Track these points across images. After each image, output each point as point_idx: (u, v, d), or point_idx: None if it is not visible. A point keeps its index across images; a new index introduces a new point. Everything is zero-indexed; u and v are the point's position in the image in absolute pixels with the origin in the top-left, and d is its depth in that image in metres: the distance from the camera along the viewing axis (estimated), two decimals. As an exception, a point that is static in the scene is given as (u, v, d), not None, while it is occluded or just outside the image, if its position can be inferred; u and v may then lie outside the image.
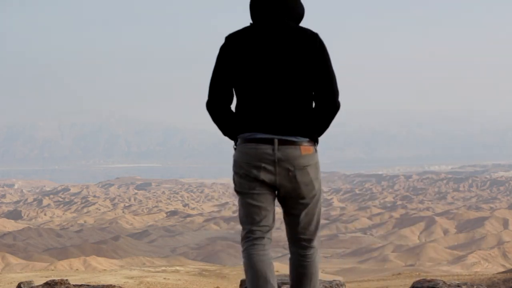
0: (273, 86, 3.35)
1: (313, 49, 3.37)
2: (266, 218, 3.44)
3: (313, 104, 3.44)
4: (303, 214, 3.47)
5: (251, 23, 3.46)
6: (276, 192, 3.46)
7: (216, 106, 3.46)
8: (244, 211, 3.46)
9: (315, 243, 3.59)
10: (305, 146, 3.38)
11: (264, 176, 3.37)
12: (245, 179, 3.40)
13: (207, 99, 3.50)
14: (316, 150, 3.46)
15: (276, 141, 3.34)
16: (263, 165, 3.35)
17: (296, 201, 3.44)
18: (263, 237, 3.44)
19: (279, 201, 3.52)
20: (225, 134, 3.56)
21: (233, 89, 3.47)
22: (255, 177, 3.38)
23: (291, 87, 3.35)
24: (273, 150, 3.33)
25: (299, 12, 3.55)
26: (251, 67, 3.36)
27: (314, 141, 3.45)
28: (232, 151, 3.56)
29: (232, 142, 3.56)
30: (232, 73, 3.41)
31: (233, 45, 3.39)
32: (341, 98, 3.48)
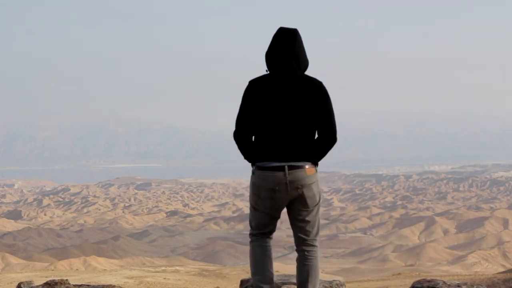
0: (285, 124, 4.35)
1: (319, 96, 4.42)
2: (272, 227, 4.57)
3: (315, 136, 4.48)
4: (306, 221, 4.51)
5: (266, 70, 4.49)
6: (285, 205, 4.49)
7: (242, 137, 4.47)
8: (255, 222, 4.55)
9: (317, 243, 4.60)
10: (309, 168, 4.42)
11: (278, 196, 4.40)
12: (263, 200, 4.44)
13: (234, 130, 4.51)
14: (316, 171, 4.52)
15: (286, 167, 4.35)
16: (277, 187, 4.37)
17: (302, 211, 4.49)
18: (269, 238, 4.59)
19: (288, 210, 4.53)
20: (246, 158, 4.54)
21: (254, 123, 4.44)
22: (271, 198, 4.41)
23: (299, 125, 4.37)
24: (285, 175, 4.35)
25: (306, 64, 4.55)
26: (268, 107, 4.36)
27: (315, 164, 4.50)
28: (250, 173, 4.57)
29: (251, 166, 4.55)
30: (254, 111, 4.39)
31: (255, 89, 4.40)
32: (338, 125, 4.58)
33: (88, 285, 6.81)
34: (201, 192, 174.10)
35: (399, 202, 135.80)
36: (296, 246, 4.57)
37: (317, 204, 4.52)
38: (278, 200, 4.41)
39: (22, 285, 7.25)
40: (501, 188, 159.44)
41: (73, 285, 6.83)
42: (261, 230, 4.54)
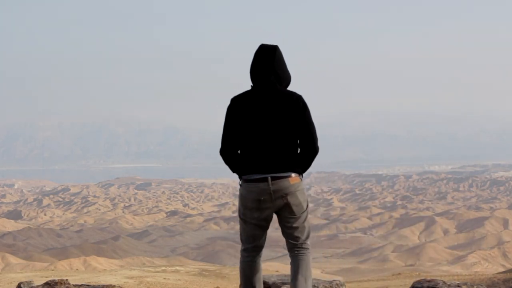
0: (267, 137, 4.54)
1: (298, 109, 4.56)
2: (261, 240, 4.73)
3: (298, 148, 4.64)
4: (294, 227, 4.67)
5: (251, 86, 4.67)
6: (272, 217, 4.68)
7: (227, 153, 4.68)
8: (244, 234, 4.73)
9: (308, 245, 4.76)
10: (293, 177, 4.60)
11: (264, 206, 4.59)
12: (250, 210, 4.62)
13: (220, 147, 4.73)
14: (301, 180, 4.67)
15: (269, 178, 4.54)
16: (262, 198, 4.56)
17: (290, 218, 4.66)
18: (258, 252, 4.74)
19: (278, 219, 4.73)
20: (234, 172, 4.74)
21: (238, 138, 4.64)
22: (257, 208, 4.60)
23: (280, 137, 4.54)
24: (268, 185, 4.53)
25: (287, 80, 4.70)
26: (250, 122, 4.56)
27: (299, 174, 4.66)
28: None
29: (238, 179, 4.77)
30: (237, 127, 4.60)
31: (237, 105, 4.60)
32: (320, 143, 4.81)
33: (88, 285, 6.81)
34: (201, 192, 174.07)
35: (399, 202, 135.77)
36: (289, 251, 4.77)
37: (305, 211, 4.70)
38: (264, 210, 4.61)
39: (22, 285, 7.25)
40: (501, 188, 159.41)
41: (73, 285, 6.83)
42: (252, 243, 4.71)
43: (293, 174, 4.61)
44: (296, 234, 4.68)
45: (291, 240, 4.71)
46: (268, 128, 4.54)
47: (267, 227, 4.71)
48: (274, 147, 4.55)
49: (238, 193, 4.83)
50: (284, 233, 4.74)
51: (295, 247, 4.70)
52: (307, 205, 4.73)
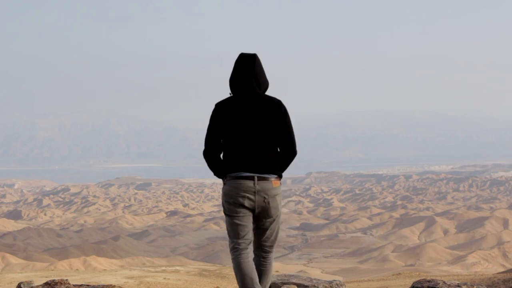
0: (251, 140, 4.90)
1: (278, 113, 4.94)
2: (248, 234, 4.99)
3: (277, 150, 5.03)
4: (268, 228, 5.06)
5: (230, 94, 5.02)
6: (253, 213, 5.01)
7: (210, 155, 5.01)
8: (231, 229, 4.99)
9: (273, 249, 5.18)
10: (274, 181, 4.97)
11: (247, 202, 4.92)
12: (233, 205, 4.93)
13: (204, 149, 5.03)
14: (280, 183, 5.04)
15: (256, 177, 4.90)
16: (247, 195, 4.90)
17: (265, 219, 5.02)
18: (247, 248, 4.99)
19: (253, 218, 5.04)
20: (215, 174, 5.06)
21: (221, 142, 4.99)
22: (240, 204, 4.92)
23: (263, 140, 4.91)
24: (254, 184, 4.90)
25: (266, 85, 5.06)
26: (235, 126, 4.90)
27: (280, 177, 5.02)
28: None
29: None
30: (221, 131, 4.94)
31: (221, 110, 4.93)
32: (298, 146, 5.16)
33: (88, 285, 6.81)
34: (201, 192, 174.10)
35: (399, 202, 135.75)
36: (254, 250, 5.14)
37: (278, 215, 5.07)
38: (247, 207, 4.94)
39: (22, 285, 7.25)
40: (501, 188, 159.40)
41: (73, 285, 6.83)
42: (239, 237, 4.98)
43: (273, 177, 4.96)
44: (267, 235, 5.08)
45: (261, 241, 5.10)
46: (252, 130, 4.91)
47: (250, 222, 5.01)
48: (259, 148, 4.92)
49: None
50: (255, 233, 5.11)
51: (262, 249, 5.11)
52: (281, 209, 5.10)
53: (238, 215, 4.95)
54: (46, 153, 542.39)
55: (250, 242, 5.02)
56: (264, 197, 4.93)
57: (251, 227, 5.03)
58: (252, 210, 4.97)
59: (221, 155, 5.07)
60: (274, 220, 5.05)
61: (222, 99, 5.03)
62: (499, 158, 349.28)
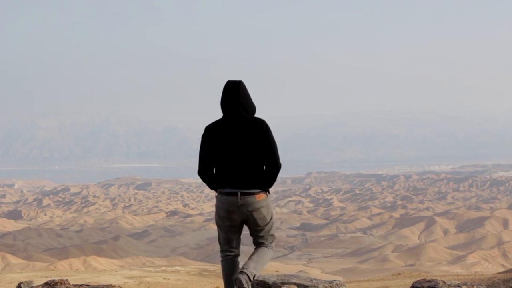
0: (236, 158, 5.47)
1: (261, 132, 5.48)
2: (236, 242, 5.70)
3: (264, 167, 5.56)
4: (259, 233, 5.65)
5: (222, 116, 5.61)
6: (242, 224, 5.62)
7: (204, 173, 5.63)
8: (222, 238, 5.69)
9: (272, 246, 5.76)
10: (259, 195, 5.49)
11: (233, 216, 5.53)
12: (222, 219, 5.58)
13: (198, 168, 5.64)
14: (267, 196, 5.57)
15: (239, 193, 5.47)
16: (231, 209, 5.50)
17: (255, 227, 5.62)
18: (235, 253, 5.71)
19: (245, 224, 5.64)
20: (210, 188, 5.69)
21: (212, 160, 5.57)
22: (228, 217, 5.54)
23: (248, 158, 5.47)
24: (237, 199, 5.46)
25: (252, 108, 5.65)
26: (221, 146, 5.49)
27: (266, 191, 5.54)
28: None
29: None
30: (211, 151, 5.54)
31: (210, 132, 5.56)
32: (282, 161, 5.69)
33: (88, 285, 6.81)
34: (201, 192, 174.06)
35: (399, 202, 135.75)
36: (254, 243, 5.75)
37: (268, 223, 5.63)
38: (233, 219, 5.55)
39: (22, 285, 7.25)
40: (501, 188, 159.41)
41: (73, 285, 6.83)
42: (227, 245, 5.67)
43: (257, 192, 5.49)
44: (261, 240, 5.68)
45: (257, 241, 5.71)
46: (237, 149, 5.48)
47: (239, 232, 5.68)
48: (243, 166, 5.48)
49: None
50: (250, 233, 5.72)
51: (259, 244, 5.72)
52: (271, 218, 5.65)
53: (225, 228, 5.61)
54: (46, 153, 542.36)
55: (237, 248, 5.71)
56: (248, 210, 5.49)
57: (239, 236, 5.70)
58: (240, 222, 5.59)
59: (214, 171, 5.67)
60: (262, 229, 5.63)
61: (211, 122, 5.67)
62: (499, 158, 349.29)
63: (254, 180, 5.49)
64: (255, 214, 5.51)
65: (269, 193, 5.61)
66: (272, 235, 5.72)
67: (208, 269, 43.38)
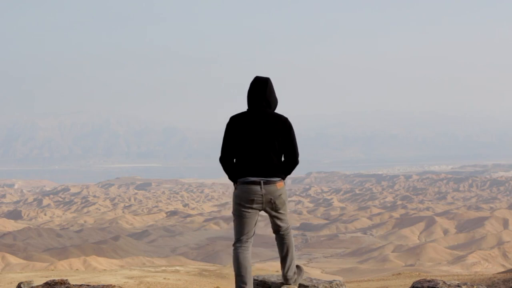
0: (258, 149, 5.81)
1: (284, 128, 5.83)
2: (251, 231, 5.93)
3: (282, 159, 5.94)
4: (280, 218, 6.00)
5: (247, 108, 5.94)
6: (260, 210, 5.94)
7: (226, 161, 5.90)
8: (238, 226, 5.91)
9: (289, 227, 6.13)
10: (279, 183, 5.86)
11: (255, 204, 5.84)
12: (242, 206, 5.86)
13: (220, 155, 5.96)
14: (284, 183, 5.95)
15: (262, 182, 5.81)
16: (255, 198, 5.82)
17: (275, 213, 5.96)
18: (247, 241, 5.91)
19: (266, 212, 5.97)
20: (230, 177, 5.95)
21: (235, 149, 5.87)
22: (249, 206, 5.84)
23: (270, 150, 5.82)
24: (261, 188, 5.81)
25: (275, 104, 6.01)
26: (246, 137, 5.82)
27: (283, 179, 5.92)
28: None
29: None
30: (234, 140, 5.85)
31: (235, 123, 5.86)
32: (301, 155, 6.20)
33: (88, 285, 6.82)
34: (201, 192, 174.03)
35: (399, 202, 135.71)
36: (274, 232, 6.14)
37: (286, 206, 6.01)
38: (255, 208, 5.86)
39: (22, 285, 7.25)
40: (501, 188, 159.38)
41: (73, 285, 6.84)
42: (244, 234, 5.89)
43: (278, 180, 5.85)
44: (280, 223, 6.02)
45: (277, 227, 6.05)
46: (260, 142, 5.80)
47: (256, 220, 5.94)
48: (265, 157, 5.81)
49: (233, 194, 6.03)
50: (271, 221, 6.06)
51: (280, 231, 6.07)
52: (287, 200, 6.03)
53: (246, 215, 5.87)
54: (46, 153, 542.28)
55: (251, 237, 5.93)
56: (271, 198, 5.84)
57: (254, 225, 5.94)
58: (259, 209, 5.90)
59: (235, 161, 5.97)
60: (283, 213, 5.98)
61: (237, 113, 5.98)
62: (499, 158, 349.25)
63: (274, 169, 5.84)
64: (277, 201, 5.85)
65: (285, 180, 6.00)
66: (288, 218, 6.11)
67: (208, 269, 43.38)
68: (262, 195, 5.82)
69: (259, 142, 5.82)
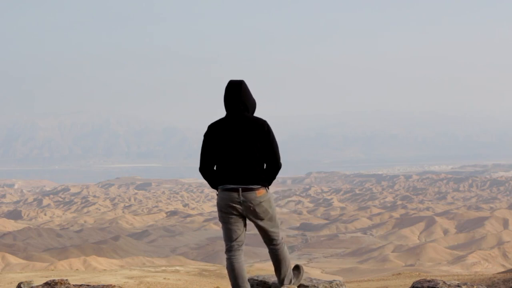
0: (237, 155, 5.66)
1: (263, 132, 5.67)
2: (240, 236, 5.80)
3: (264, 164, 5.76)
4: (265, 228, 5.81)
5: (226, 114, 5.78)
6: (244, 217, 5.78)
7: (205, 170, 5.81)
8: (226, 233, 5.79)
9: (280, 240, 5.94)
10: (259, 190, 5.68)
11: (235, 211, 5.70)
12: (225, 213, 5.73)
13: (199, 165, 5.83)
14: (267, 191, 5.75)
15: (240, 189, 5.66)
16: (233, 204, 5.68)
17: (260, 222, 5.78)
18: (239, 249, 5.80)
19: (251, 221, 5.80)
20: (211, 186, 5.86)
21: (214, 158, 5.76)
22: (230, 212, 5.71)
23: (249, 156, 5.65)
24: (239, 195, 5.66)
25: (253, 107, 5.85)
26: (225, 144, 5.67)
27: (265, 186, 5.73)
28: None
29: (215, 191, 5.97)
30: (213, 149, 5.72)
31: (213, 131, 5.72)
32: (279, 158, 5.85)
33: (88, 285, 6.82)
34: (201, 192, 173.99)
35: (399, 202, 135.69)
36: (266, 244, 5.96)
37: (271, 215, 5.80)
38: (236, 215, 5.72)
39: (22, 285, 7.25)
40: (501, 188, 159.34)
41: (73, 285, 6.84)
42: (233, 240, 5.77)
43: (258, 187, 5.68)
44: (267, 234, 5.85)
45: (265, 239, 5.91)
46: (239, 147, 5.66)
47: (243, 225, 5.80)
48: (244, 163, 5.65)
49: None
50: (260, 233, 5.91)
51: (270, 243, 5.91)
52: (273, 211, 5.82)
53: (230, 221, 5.73)
54: (46, 153, 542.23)
55: (242, 244, 5.81)
56: (250, 205, 5.68)
57: (243, 230, 5.80)
58: (240, 217, 5.75)
59: (215, 168, 5.84)
60: (266, 221, 5.78)
61: (214, 121, 5.82)
62: (499, 158, 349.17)
63: (255, 177, 5.67)
64: (257, 208, 5.68)
65: (268, 189, 5.80)
66: (278, 226, 5.90)
67: (208, 269, 43.38)
68: (240, 202, 5.66)
69: (237, 149, 5.66)
